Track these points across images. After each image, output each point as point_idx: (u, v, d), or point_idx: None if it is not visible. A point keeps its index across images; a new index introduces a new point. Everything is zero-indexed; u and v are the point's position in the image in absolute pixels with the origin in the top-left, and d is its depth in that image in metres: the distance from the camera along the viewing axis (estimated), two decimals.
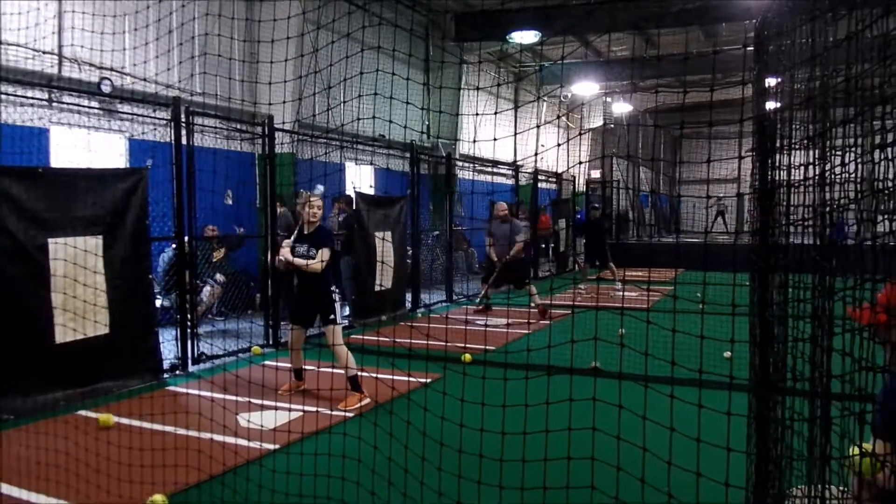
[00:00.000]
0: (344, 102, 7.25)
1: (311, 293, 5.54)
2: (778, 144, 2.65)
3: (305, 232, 5.55)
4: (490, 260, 10.10)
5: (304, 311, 5.64)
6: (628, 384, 3.24)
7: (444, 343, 5.45)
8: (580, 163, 20.15)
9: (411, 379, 4.90)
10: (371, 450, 3.55)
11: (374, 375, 4.81)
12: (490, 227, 10.43)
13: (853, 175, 2.08)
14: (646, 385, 2.61)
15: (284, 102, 7.72)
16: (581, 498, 2.86)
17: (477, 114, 13.18)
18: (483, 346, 6.82)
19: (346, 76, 6.23)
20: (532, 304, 9.53)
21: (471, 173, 15.15)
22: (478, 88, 12.83)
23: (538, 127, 15.78)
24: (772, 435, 2.51)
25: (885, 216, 1.76)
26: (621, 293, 11.38)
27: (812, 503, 2.31)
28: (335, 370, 5.82)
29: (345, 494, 3.44)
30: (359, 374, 5.34)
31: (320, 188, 8.82)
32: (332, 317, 5.45)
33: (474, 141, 7.03)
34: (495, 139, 4.04)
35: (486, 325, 8.27)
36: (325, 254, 5.41)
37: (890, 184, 1.71)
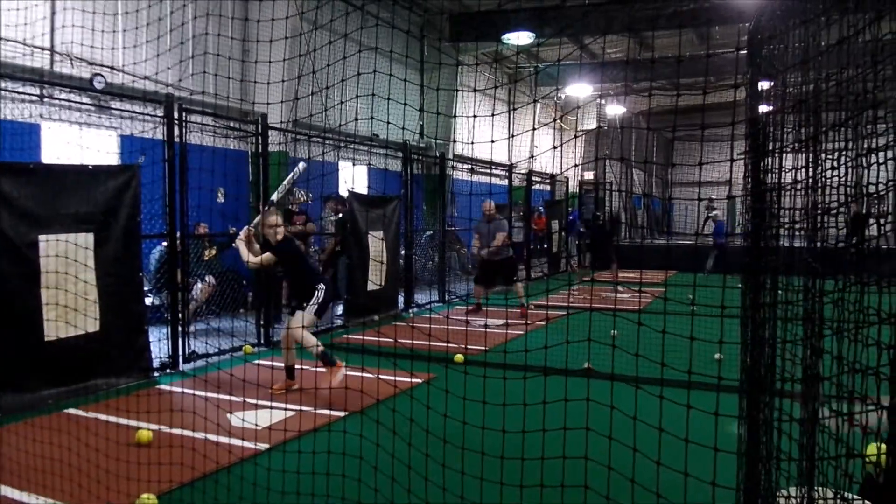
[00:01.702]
0: (332, 100, 7.22)
1: (293, 287, 5.87)
2: (770, 147, 2.66)
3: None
4: (479, 259, 10.26)
5: (292, 305, 5.84)
6: (621, 385, 3.24)
7: (437, 343, 5.45)
8: (575, 166, 20.16)
9: (398, 378, 4.88)
10: (359, 449, 3.53)
11: (347, 373, 4.80)
12: (478, 226, 10.47)
13: (844, 179, 2.09)
14: (636, 386, 2.62)
15: (269, 103, 7.68)
16: (575, 497, 2.87)
17: (474, 115, 13.20)
18: (476, 347, 6.82)
19: (335, 71, 6.20)
20: (520, 304, 9.74)
21: (464, 174, 15.15)
22: (474, 90, 12.83)
23: (533, 130, 15.79)
24: (762, 436, 2.52)
25: (877, 220, 1.77)
26: (615, 294, 11.44)
27: None
28: (321, 369, 5.80)
29: (332, 491, 3.43)
30: (324, 348, 5.48)
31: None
32: (304, 304, 5.60)
33: (471, 143, 7.04)
34: (493, 141, 4.04)
35: (484, 326, 8.26)
36: (266, 257, 5.63)
37: (881, 188, 1.72)
